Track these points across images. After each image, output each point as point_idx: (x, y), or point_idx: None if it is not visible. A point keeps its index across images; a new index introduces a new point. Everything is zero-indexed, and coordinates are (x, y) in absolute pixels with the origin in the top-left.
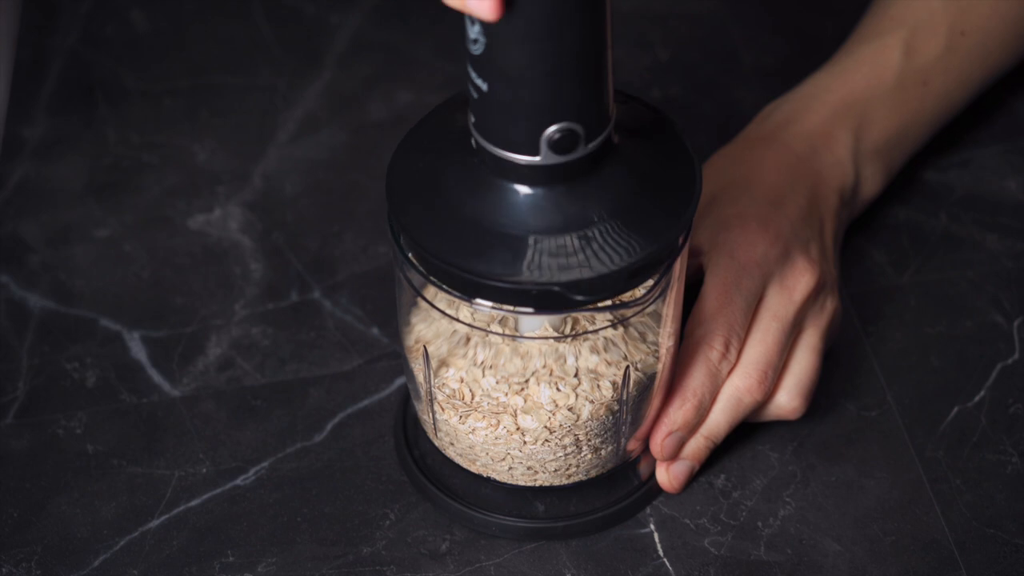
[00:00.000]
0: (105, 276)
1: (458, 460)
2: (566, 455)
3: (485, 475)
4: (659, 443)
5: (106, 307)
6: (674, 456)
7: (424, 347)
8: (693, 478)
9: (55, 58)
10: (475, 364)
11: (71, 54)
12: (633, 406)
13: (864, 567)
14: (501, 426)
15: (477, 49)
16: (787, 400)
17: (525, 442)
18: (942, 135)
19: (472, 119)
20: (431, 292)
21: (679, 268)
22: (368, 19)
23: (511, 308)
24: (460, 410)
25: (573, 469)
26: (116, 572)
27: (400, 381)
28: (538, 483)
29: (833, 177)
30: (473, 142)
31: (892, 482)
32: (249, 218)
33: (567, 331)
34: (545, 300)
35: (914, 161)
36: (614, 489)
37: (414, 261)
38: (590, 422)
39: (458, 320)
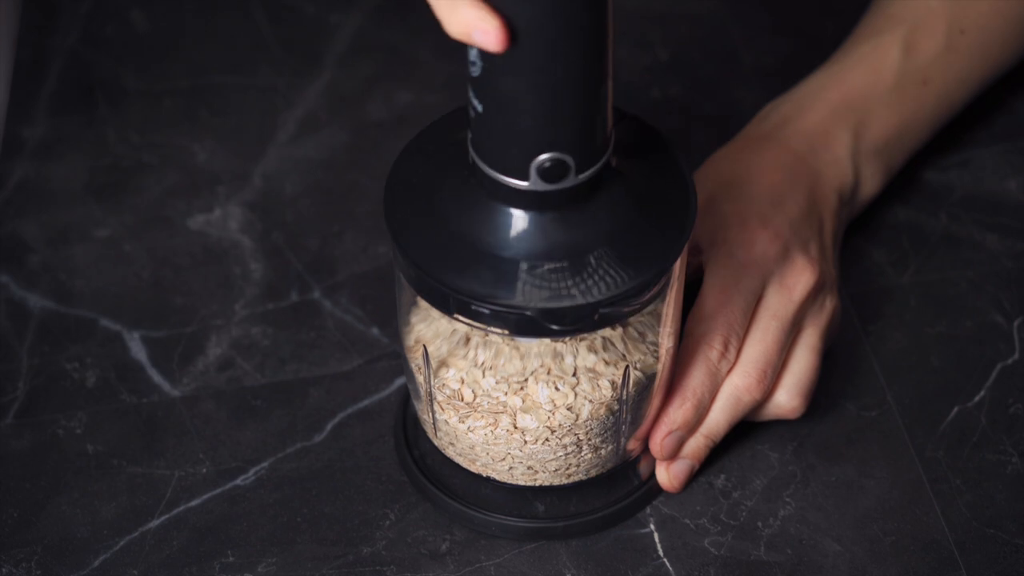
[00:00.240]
0: (105, 276)
1: (458, 460)
2: (566, 455)
3: (485, 475)
4: (659, 442)
5: (106, 307)
6: (674, 455)
7: (424, 347)
8: (693, 478)
9: (55, 58)
10: (475, 365)
11: (71, 54)
12: (633, 406)
13: (864, 567)
14: (500, 426)
15: (475, 71)
16: (787, 399)
17: (526, 442)
18: (942, 135)
19: (470, 135)
20: None
21: (679, 268)
22: (368, 19)
23: (486, 328)
24: (460, 410)
25: (573, 469)
26: (116, 572)
27: (400, 381)
28: (538, 483)
29: (832, 176)
30: (469, 158)
31: (892, 482)
32: (249, 218)
33: None
34: (521, 325)
35: (914, 161)
36: (614, 489)
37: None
38: (590, 421)
39: (458, 320)
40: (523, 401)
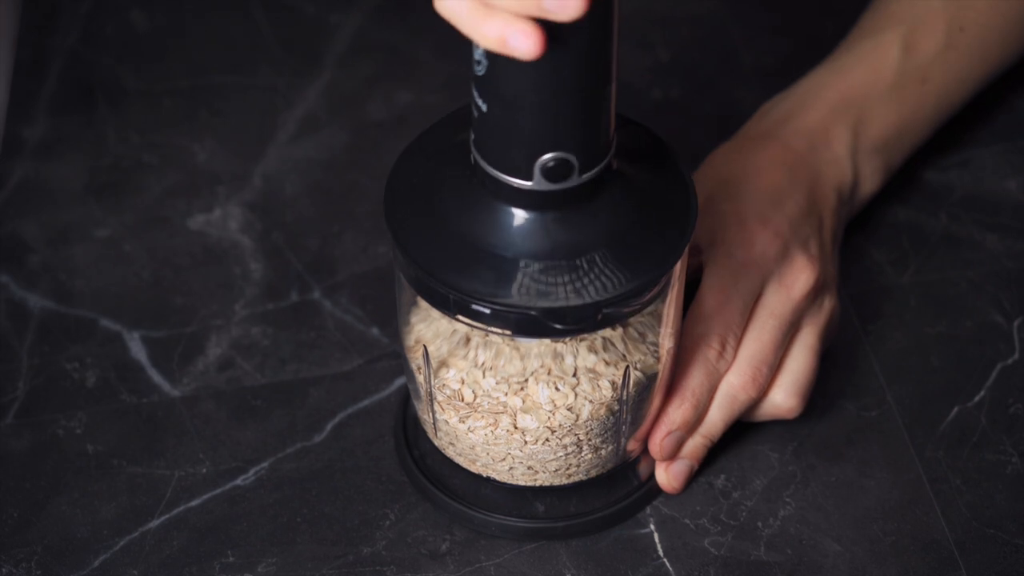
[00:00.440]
0: (105, 276)
1: (458, 460)
2: (567, 455)
3: (485, 475)
4: (658, 443)
5: (106, 307)
6: (673, 456)
7: (424, 347)
8: (693, 478)
9: (55, 58)
10: (475, 365)
11: (71, 54)
12: (633, 406)
13: (864, 567)
14: (500, 426)
15: (480, 71)
16: (783, 399)
17: (526, 442)
18: (942, 134)
19: (472, 136)
20: None
21: (679, 269)
22: (368, 19)
23: (488, 329)
24: (460, 411)
25: (573, 469)
26: (116, 572)
27: (400, 381)
28: (538, 483)
29: (831, 174)
30: (472, 158)
31: (892, 482)
32: (249, 218)
33: None
34: (523, 324)
35: (914, 161)
36: (614, 489)
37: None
38: (590, 422)
39: (460, 320)
40: (523, 401)
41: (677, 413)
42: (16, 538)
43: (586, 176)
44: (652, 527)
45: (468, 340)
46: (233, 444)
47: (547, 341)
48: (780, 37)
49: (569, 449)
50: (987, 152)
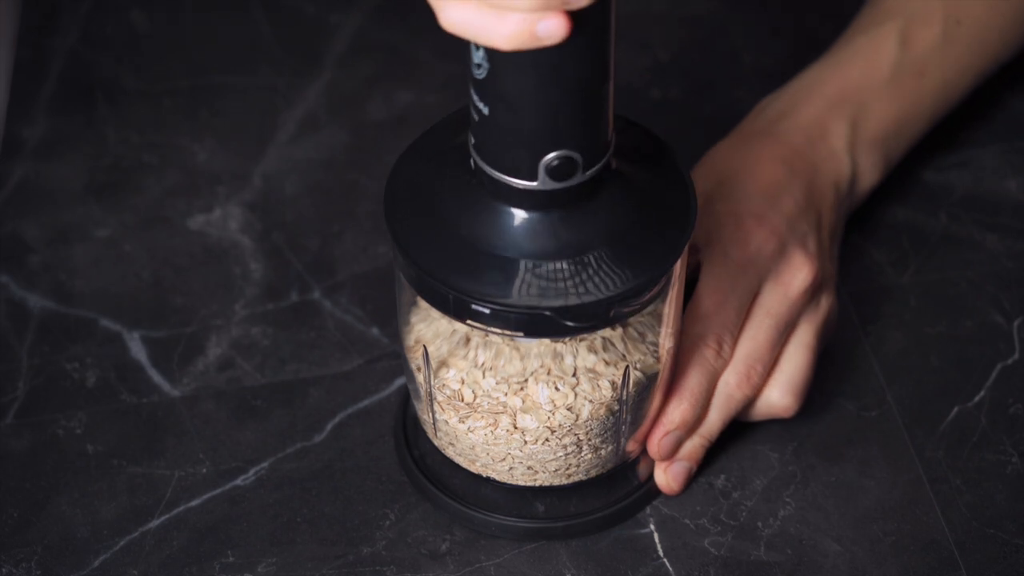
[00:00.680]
0: (105, 276)
1: (458, 460)
2: (566, 455)
3: (485, 475)
4: (656, 443)
5: (106, 307)
6: (671, 456)
7: (424, 347)
8: (693, 479)
9: (55, 58)
10: (475, 365)
11: (71, 54)
12: (633, 406)
13: (864, 567)
14: (500, 426)
15: (480, 74)
16: (778, 398)
17: (526, 442)
18: (941, 135)
19: (472, 140)
20: None
21: (679, 268)
22: (368, 19)
23: (499, 331)
24: (460, 411)
25: (573, 469)
26: (116, 572)
27: (400, 381)
28: (538, 483)
29: (829, 169)
30: (472, 163)
31: (892, 482)
32: (249, 218)
33: None
34: (526, 324)
35: (914, 161)
36: (614, 489)
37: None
38: (590, 422)
39: (469, 324)
40: (523, 401)
41: (676, 413)
42: (16, 538)
43: (590, 173)
44: (652, 527)
45: (468, 340)
46: (233, 444)
47: (547, 341)
48: (780, 37)
49: (569, 449)
50: (986, 152)
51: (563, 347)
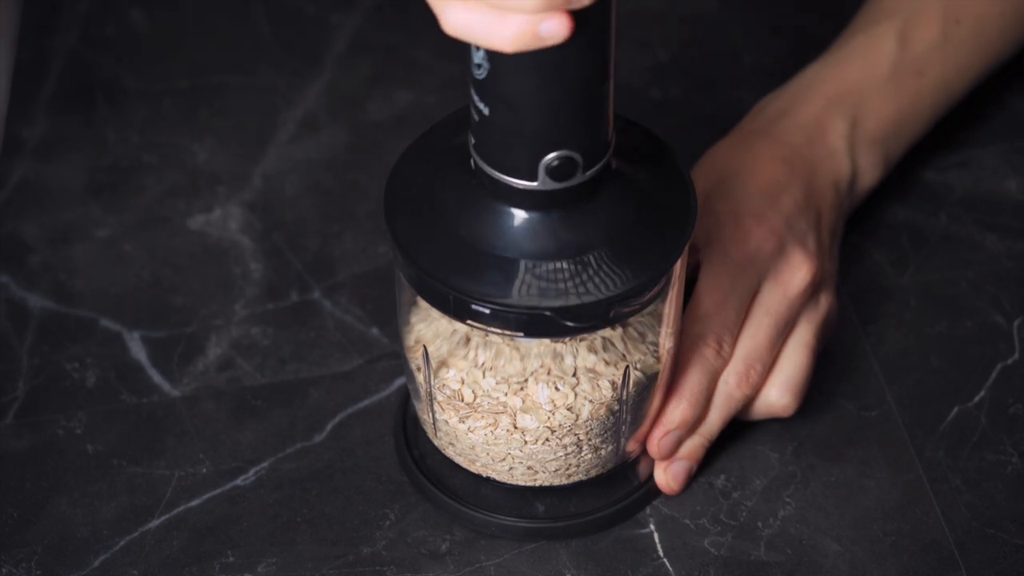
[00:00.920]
0: (105, 276)
1: (458, 460)
2: (566, 455)
3: (485, 475)
4: (656, 442)
5: (106, 307)
6: (671, 455)
7: (424, 347)
8: (692, 478)
9: (55, 58)
10: (475, 365)
11: (71, 54)
12: (633, 406)
13: (864, 567)
14: (500, 426)
15: (480, 74)
16: (777, 397)
17: (526, 442)
18: (941, 135)
19: (472, 140)
20: None
21: (679, 268)
22: (368, 19)
23: (499, 331)
24: (460, 411)
25: (573, 469)
26: (116, 572)
27: (400, 381)
28: (538, 483)
29: (828, 168)
30: (472, 163)
31: (892, 482)
32: (249, 218)
33: None
34: (526, 324)
35: (914, 161)
36: (614, 489)
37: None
38: (590, 422)
39: (459, 321)
40: (523, 401)
41: (676, 412)
42: (16, 538)
43: (590, 173)
44: (652, 527)
45: (468, 340)
46: (233, 444)
47: (547, 341)
48: (780, 37)
49: (569, 449)
50: (986, 152)
51: (563, 347)
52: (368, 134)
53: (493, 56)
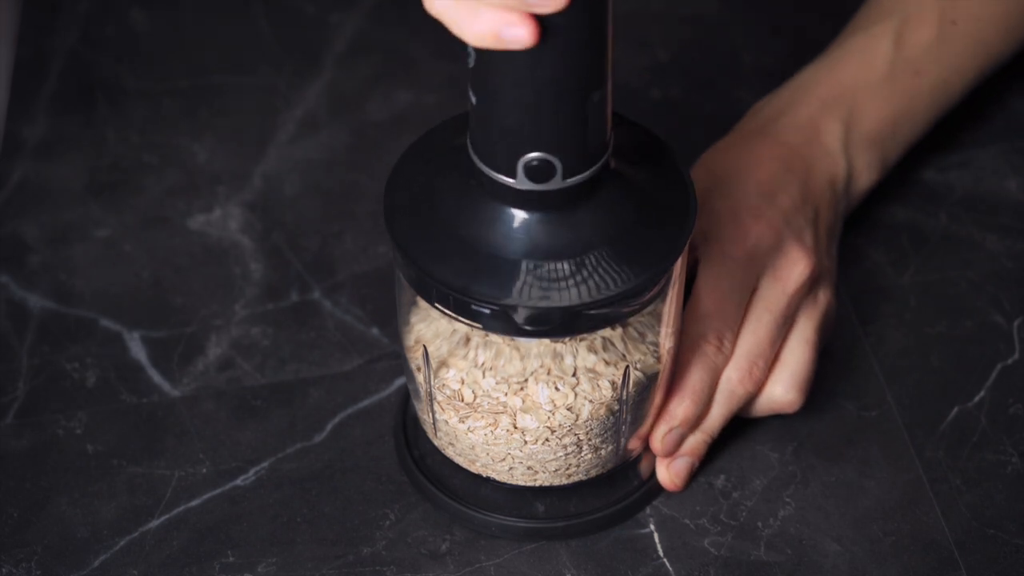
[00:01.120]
0: (105, 276)
1: (458, 460)
2: (566, 455)
3: (485, 475)
4: (659, 439)
5: (106, 307)
6: (673, 452)
7: (424, 347)
8: (693, 478)
9: (55, 58)
10: (475, 365)
11: (71, 54)
12: (633, 406)
13: (864, 567)
14: (500, 426)
15: (471, 62)
16: (782, 393)
17: (526, 442)
18: (941, 135)
19: (470, 125)
20: None
21: (679, 268)
22: (368, 19)
23: (470, 323)
24: (460, 411)
25: (573, 469)
26: (116, 572)
27: (400, 381)
28: (538, 483)
29: (824, 168)
30: (468, 152)
31: (892, 482)
32: (249, 218)
33: None
34: (520, 324)
35: (914, 161)
36: (614, 489)
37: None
38: (590, 422)
39: (458, 320)
40: (523, 401)
41: (679, 410)
42: (16, 538)
43: (571, 181)
44: (652, 527)
45: (468, 340)
46: (233, 444)
47: (547, 341)
48: (780, 37)
49: (569, 449)
50: (986, 152)
51: (563, 347)
52: (368, 134)
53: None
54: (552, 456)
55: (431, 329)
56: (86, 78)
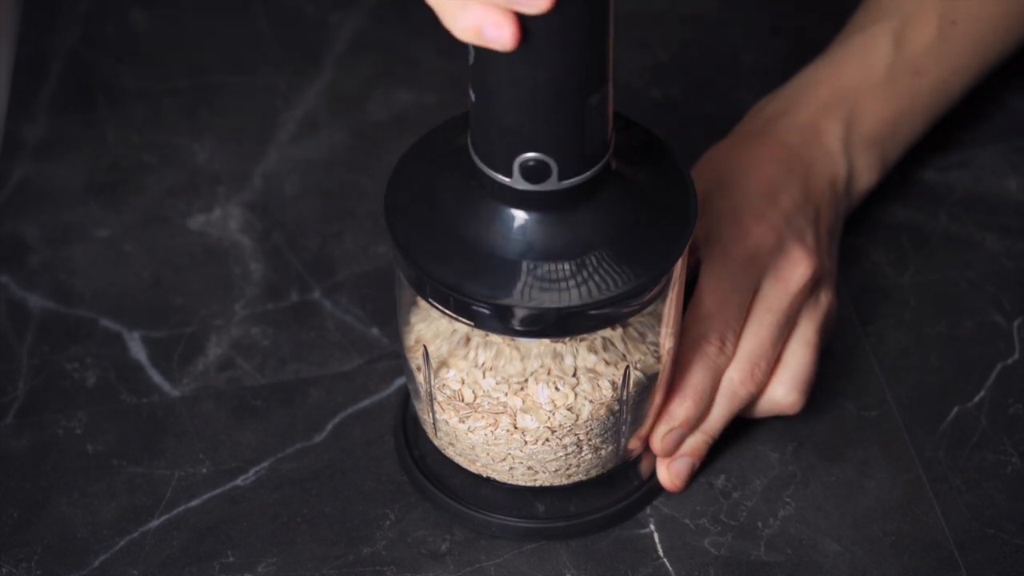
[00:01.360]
0: (105, 276)
1: (458, 460)
2: (566, 455)
3: (485, 475)
4: (659, 439)
5: (106, 307)
6: (673, 452)
7: (424, 347)
8: (693, 478)
9: (55, 58)
10: (476, 365)
11: (71, 54)
12: (633, 406)
13: (864, 567)
14: (500, 426)
15: (470, 59)
16: (784, 394)
17: (526, 442)
18: (941, 135)
19: (470, 124)
20: None
21: (679, 268)
22: (368, 19)
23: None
24: (460, 411)
25: (573, 469)
26: (116, 572)
27: (400, 381)
28: (538, 483)
29: (824, 169)
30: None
31: (892, 482)
32: (249, 218)
33: None
34: (535, 325)
35: (914, 161)
36: (614, 489)
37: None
38: (590, 422)
39: (458, 319)
40: (523, 401)
41: (680, 410)
42: (16, 538)
43: (567, 183)
44: (652, 527)
45: (468, 340)
46: (233, 444)
47: (547, 341)
48: (780, 37)
49: (569, 449)
50: (986, 152)
51: (563, 347)
52: (368, 134)
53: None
54: (552, 456)
55: (431, 329)
56: (86, 78)
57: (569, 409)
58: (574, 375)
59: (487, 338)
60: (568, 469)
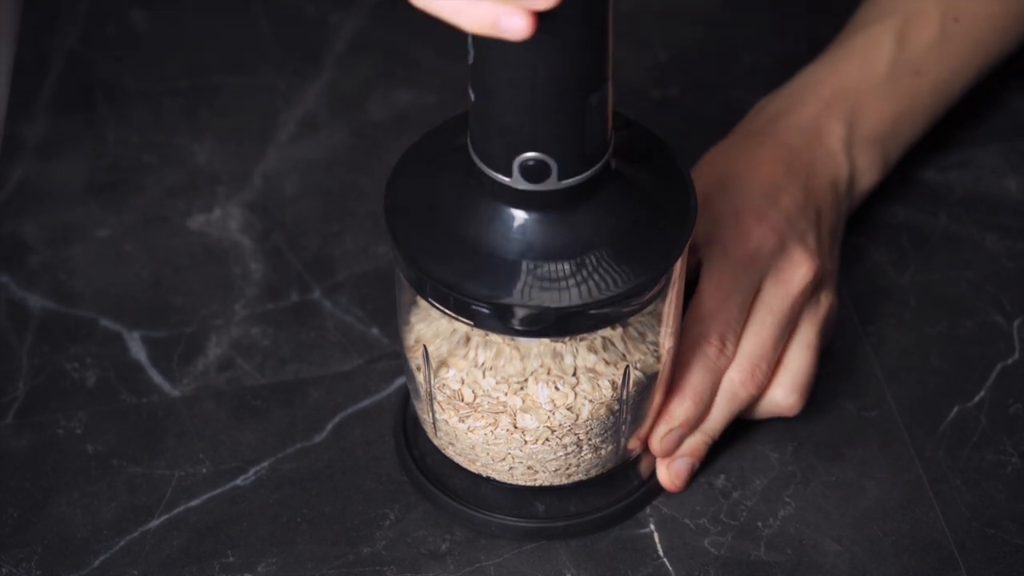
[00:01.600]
0: (105, 276)
1: (458, 460)
2: (566, 455)
3: (485, 475)
4: (659, 440)
5: (106, 307)
6: (673, 452)
7: (424, 347)
8: (693, 478)
9: (55, 58)
10: (475, 365)
11: (71, 54)
12: (633, 405)
13: (864, 567)
14: (500, 426)
15: (470, 59)
16: (783, 396)
17: (526, 442)
18: (942, 135)
19: (469, 123)
20: None
21: (679, 268)
22: (368, 19)
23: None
24: (460, 410)
25: (573, 469)
26: (116, 572)
27: (400, 381)
28: (538, 483)
29: (826, 169)
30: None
31: (892, 482)
32: (249, 218)
33: None
34: (535, 325)
35: (914, 161)
36: (614, 489)
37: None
38: (590, 421)
39: (458, 319)
40: (523, 401)
41: (679, 410)
42: (16, 538)
43: (566, 182)
44: (652, 527)
45: (468, 340)
46: (233, 444)
47: (547, 341)
48: (780, 37)
49: (569, 449)
50: (986, 152)
51: (563, 347)
52: (368, 134)
53: (477, 43)
54: (552, 456)
55: (431, 329)
56: (86, 78)
57: (569, 409)
58: (574, 375)
59: (487, 338)
60: (568, 469)
